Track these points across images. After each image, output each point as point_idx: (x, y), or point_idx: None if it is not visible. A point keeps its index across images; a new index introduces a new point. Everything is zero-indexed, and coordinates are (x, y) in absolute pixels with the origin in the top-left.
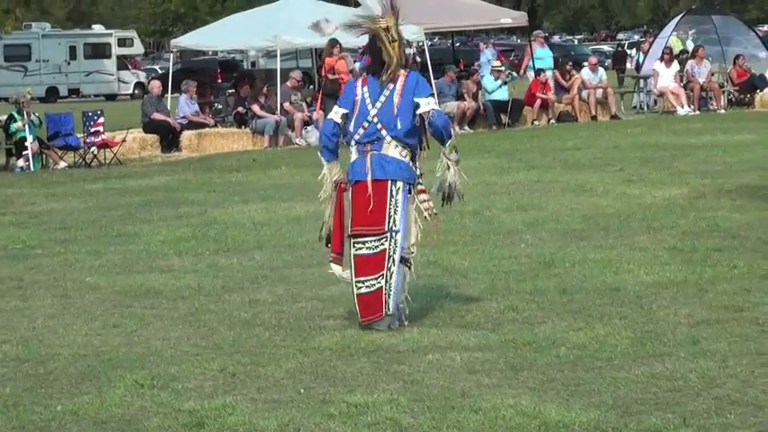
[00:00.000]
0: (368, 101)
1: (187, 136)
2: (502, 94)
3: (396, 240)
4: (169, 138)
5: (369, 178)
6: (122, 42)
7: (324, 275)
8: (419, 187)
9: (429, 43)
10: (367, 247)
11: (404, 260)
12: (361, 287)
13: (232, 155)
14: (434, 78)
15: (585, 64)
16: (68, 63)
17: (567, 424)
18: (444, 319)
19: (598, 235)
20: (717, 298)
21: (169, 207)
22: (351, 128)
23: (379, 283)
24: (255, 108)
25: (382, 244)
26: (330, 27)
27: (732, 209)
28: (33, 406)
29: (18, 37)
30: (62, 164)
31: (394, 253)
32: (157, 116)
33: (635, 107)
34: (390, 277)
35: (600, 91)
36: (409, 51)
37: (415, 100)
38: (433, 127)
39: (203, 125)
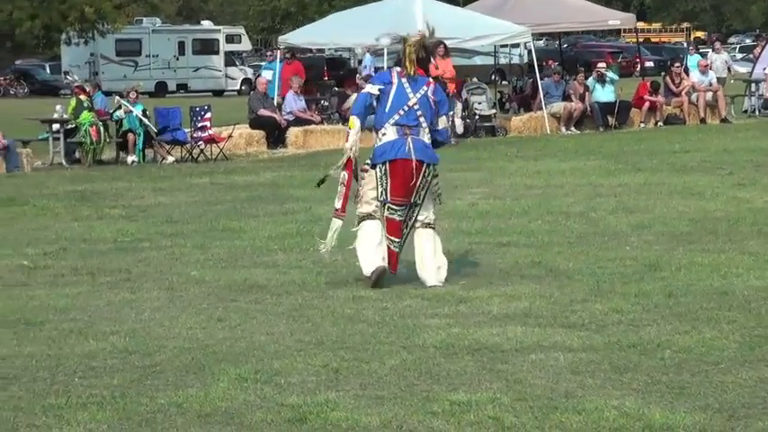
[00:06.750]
0: (408, 90)
1: (293, 132)
2: (609, 96)
3: (413, 212)
4: (275, 134)
5: (413, 156)
6: (230, 39)
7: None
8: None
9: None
10: (398, 214)
11: (430, 225)
12: (391, 245)
13: (338, 152)
14: (540, 79)
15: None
16: (177, 58)
17: (671, 426)
18: (548, 320)
19: (706, 239)
20: None
21: (274, 203)
22: (386, 110)
23: (399, 248)
24: None
25: (404, 212)
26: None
27: None
28: (139, 397)
29: (129, 32)
30: (170, 158)
31: (410, 220)
32: (264, 112)
33: (745, 111)
34: (404, 241)
35: (710, 94)
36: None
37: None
38: (438, 138)
39: (309, 122)
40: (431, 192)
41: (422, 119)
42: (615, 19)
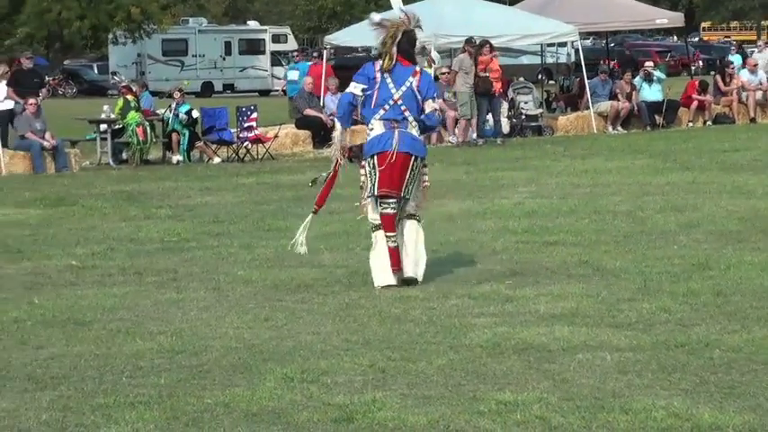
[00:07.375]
0: (391, 85)
1: None
2: (656, 95)
3: (400, 205)
4: (321, 134)
5: (395, 149)
6: (276, 39)
7: (475, 273)
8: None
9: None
10: (391, 207)
11: (414, 216)
12: (388, 242)
13: None
14: (587, 78)
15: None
16: (224, 58)
17: (720, 427)
18: (595, 319)
19: (756, 237)
20: None
21: None
22: (371, 106)
23: (394, 243)
24: None
25: (397, 205)
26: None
27: None
28: (186, 397)
29: (176, 32)
30: (216, 159)
31: (400, 215)
32: (310, 112)
33: None
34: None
35: (760, 93)
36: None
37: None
38: (427, 123)
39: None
40: (419, 184)
41: (407, 113)
42: (663, 18)
